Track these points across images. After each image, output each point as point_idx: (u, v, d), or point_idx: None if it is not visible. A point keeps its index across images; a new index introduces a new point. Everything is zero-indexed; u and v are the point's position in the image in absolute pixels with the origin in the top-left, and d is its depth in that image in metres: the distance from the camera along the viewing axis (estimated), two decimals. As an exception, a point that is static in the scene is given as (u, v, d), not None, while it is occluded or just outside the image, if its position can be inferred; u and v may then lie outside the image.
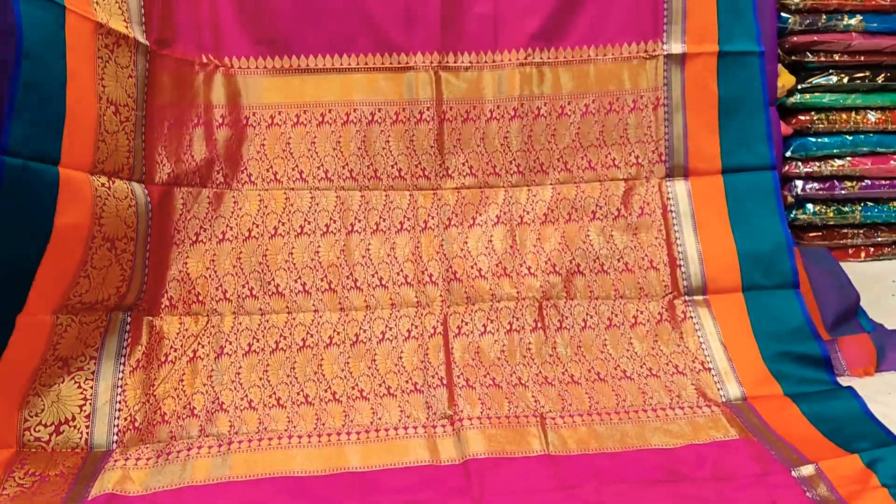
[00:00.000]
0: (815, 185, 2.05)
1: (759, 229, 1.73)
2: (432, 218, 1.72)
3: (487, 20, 1.72)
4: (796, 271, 1.71)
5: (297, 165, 1.70)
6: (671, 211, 1.75)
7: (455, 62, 1.73)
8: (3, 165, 1.24)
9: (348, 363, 1.59)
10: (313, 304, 1.66)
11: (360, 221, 1.70)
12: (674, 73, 1.74)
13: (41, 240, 1.29)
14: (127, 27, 1.48)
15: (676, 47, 1.74)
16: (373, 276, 1.69)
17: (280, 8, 1.67)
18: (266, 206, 1.68)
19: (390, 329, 1.64)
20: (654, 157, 1.75)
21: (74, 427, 1.40)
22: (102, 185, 1.40)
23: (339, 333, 1.63)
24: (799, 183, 2.05)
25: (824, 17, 2.00)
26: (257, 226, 1.68)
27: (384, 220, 1.71)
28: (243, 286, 1.65)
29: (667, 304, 1.71)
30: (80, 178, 1.36)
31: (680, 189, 1.76)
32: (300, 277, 1.67)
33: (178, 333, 1.59)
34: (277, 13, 1.67)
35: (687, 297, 1.72)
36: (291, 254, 1.67)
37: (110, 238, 1.43)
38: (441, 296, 1.69)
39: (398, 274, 1.69)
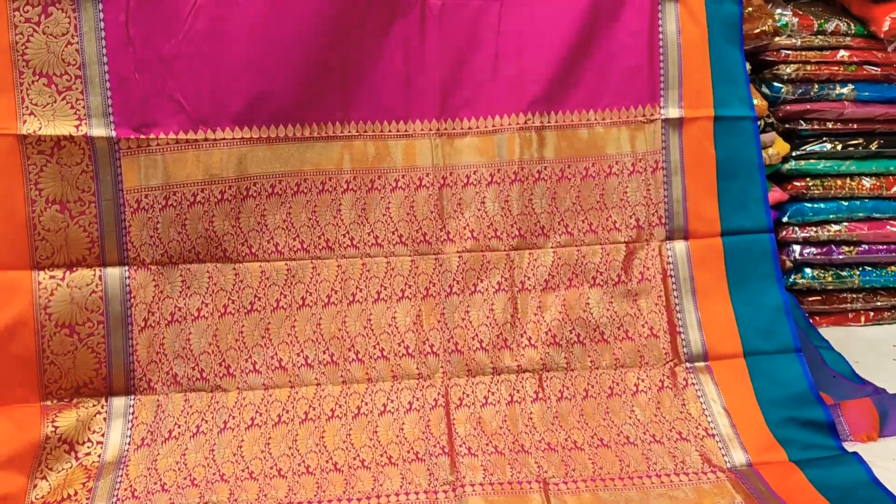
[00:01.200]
0: (813, 249, 2.06)
1: (758, 293, 1.73)
2: (434, 284, 1.71)
3: (487, 87, 1.74)
4: (797, 335, 1.71)
5: (298, 235, 1.68)
6: (671, 276, 1.75)
7: (454, 128, 1.74)
8: None
9: (350, 435, 1.58)
10: (315, 378, 1.65)
11: (360, 290, 1.69)
12: (672, 137, 1.76)
13: None
14: (78, 126, 1.54)
15: (674, 112, 1.76)
16: (374, 347, 1.68)
17: (278, 77, 1.64)
18: (268, 278, 1.67)
19: (391, 401, 1.64)
20: (654, 220, 1.76)
21: (76, 501, 1.45)
22: (51, 277, 1.54)
23: (340, 406, 1.62)
24: (797, 248, 2.07)
25: (816, 86, 2.04)
26: (259, 299, 1.66)
27: (385, 289, 1.70)
28: (246, 360, 1.64)
29: (668, 371, 1.69)
30: (14, 276, 1.52)
31: (680, 252, 1.76)
32: (302, 351, 1.66)
33: (182, 410, 1.59)
34: (276, 82, 1.64)
35: (688, 364, 1.71)
36: (294, 327, 1.66)
37: (67, 325, 1.55)
38: (442, 367, 1.68)
39: (399, 345, 1.68)
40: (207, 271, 1.65)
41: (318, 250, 1.69)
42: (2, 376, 1.51)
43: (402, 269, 1.71)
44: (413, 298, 1.70)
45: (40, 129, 1.52)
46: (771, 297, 1.73)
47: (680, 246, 1.76)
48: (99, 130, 1.56)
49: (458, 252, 1.73)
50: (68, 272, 1.55)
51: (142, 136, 1.59)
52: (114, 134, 1.57)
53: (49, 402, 1.54)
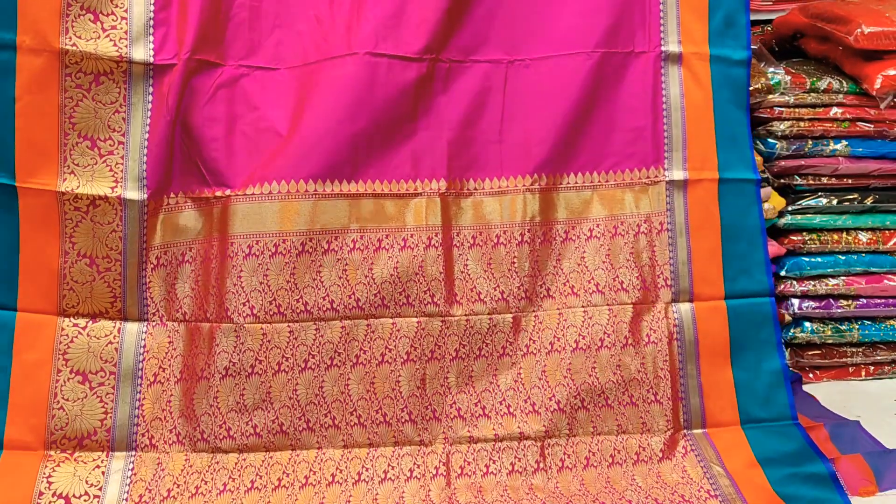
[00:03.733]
0: (812, 303, 2.07)
1: (758, 359, 1.75)
2: (439, 347, 1.70)
3: (493, 148, 1.76)
4: (793, 405, 1.73)
5: (301, 296, 1.65)
6: (676, 339, 1.75)
7: (462, 189, 1.75)
8: None
9: (349, 502, 1.57)
10: (317, 441, 1.63)
11: (365, 353, 1.67)
12: (676, 199, 1.78)
13: (5, 373, 1.57)
14: (114, 188, 1.62)
15: (678, 174, 1.78)
16: (376, 411, 1.66)
17: (294, 142, 1.68)
18: (269, 340, 1.64)
19: (392, 468, 1.63)
20: (660, 281, 1.76)
21: None
22: (74, 325, 1.62)
23: (341, 471, 1.61)
24: (795, 301, 2.07)
25: (810, 142, 2.06)
26: (260, 361, 1.63)
27: (390, 351, 1.68)
28: (247, 423, 1.62)
29: (668, 438, 1.70)
30: (42, 320, 1.60)
31: (686, 314, 1.76)
32: (304, 414, 1.64)
33: (182, 470, 1.57)
34: (290, 147, 1.68)
35: (686, 431, 1.72)
36: (296, 390, 1.64)
37: (81, 372, 1.61)
38: (444, 433, 1.67)
39: (402, 410, 1.67)
40: (211, 331, 1.64)
41: (322, 311, 1.66)
42: (14, 416, 1.56)
43: (409, 331, 1.69)
44: (418, 361, 1.69)
45: (78, 187, 1.60)
46: (770, 363, 1.75)
47: (686, 308, 1.76)
48: (132, 193, 1.63)
49: (465, 315, 1.72)
50: (91, 322, 1.62)
51: (168, 198, 1.67)
52: (145, 197, 1.64)
53: (52, 452, 1.57)
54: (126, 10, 1.62)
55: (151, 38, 1.64)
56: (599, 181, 1.77)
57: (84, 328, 1.62)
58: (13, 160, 1.57)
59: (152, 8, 1.64)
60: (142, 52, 1.63)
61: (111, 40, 1.60)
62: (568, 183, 1.77)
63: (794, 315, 2.08)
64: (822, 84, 2.07)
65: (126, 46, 1.61)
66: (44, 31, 1.56)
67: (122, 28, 1.61)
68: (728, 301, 1.76)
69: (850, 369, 2.13)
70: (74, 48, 1.57)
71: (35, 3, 1.55)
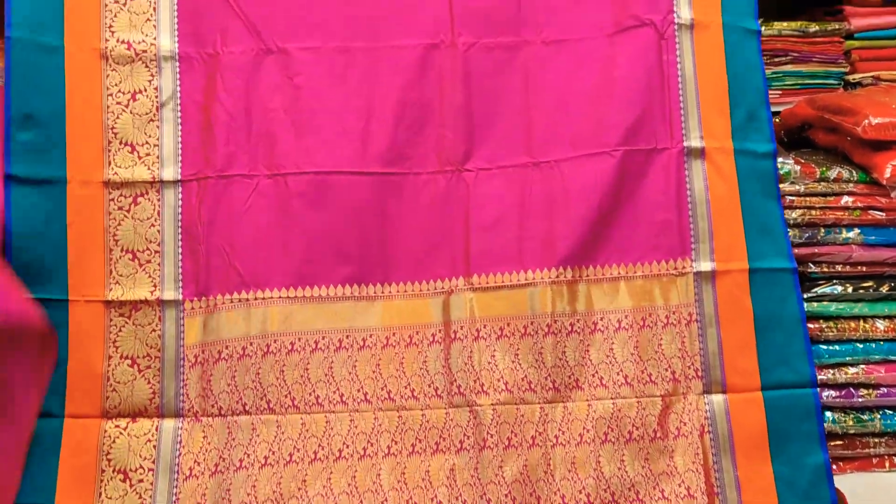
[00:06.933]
0: (832, 392, 2.06)
1: (800, 452, 1.73)
2: (468, 438, 1.70)
3: (517, 246, 1.80)
4: (836, 499, 1.70)
5: (338, 389, 1.72)
6: (709, 431, 1.73)
7: (486, 283, 1.78)
8: None
9: None
10: None
11: (396, 443, 1.70)
12: (705, 290, 1.79)
13: (52, 477, 1.67)
14: (153, 291, 1.76)
15: (705, 265, 1.79)
16: (407, 501, 1.66)
17: (325, 247, 1.78)
18: (307, 430, 1.70)
19: None
20: (690, 373, 1.76)
21: None
22: (116, 426, 1.72)
23: None
24: (817, 391, 2.06)
25: (823, 230, 2.08)
26: (298, 450, 1.68)
27: (420, 441, 1.70)
28: None
29: None
30: (88, 424, 1.70)
31: (718, 406, 1.75)
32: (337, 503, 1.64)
33: None
34: (322, 251, 1.78)
35: None
36: (329, 479, 1.66)
37: (122, 470, 1.70)
38: None
39: (432, 500, 1.66)
40: (252, 423, 1.69)
41: (357, 403, 1.72)
42: None
43: (437, 421, 1.71)
44: (447, 452, 1.69)
45: (122, 295, 1.74)
46: (813, 456, 1.73)
47: (718, 399, 1.75)
48: (169, 294, 1.75)
49: (492, 404, 1.71)
50: (131, 422, 1.72)
51: (203, 298, 1.76)
52: (181, 297, 1.75)
53: None
54: (158, 139, 1.79)
55: (180, 159, 1.79)
56: (626, 273, 1.79)
57: (125, 428, 1.72)
58: (66, 277, 1.72)
59: (180, 133, 1.80)
60: (171, 171, 1.79)
61: (145, 165, 1.78)
62: (594, 275, 1.78)
63: (814, 404, 2.07)
64: (832, 173, 2.10)
65: (158, 169, 1.78)
66: (89, 167, 1.76)
67: (154, 154, 1.79)
68: (765, 392, 1.75)
69: (874, 460, 2.10)
70: (115, 177, 1.77)
71: (82, 144, 1.76)
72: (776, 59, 2.30)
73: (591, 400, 1.74)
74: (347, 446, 1.71)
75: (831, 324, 2.08)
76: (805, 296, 2.07)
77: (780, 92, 2.39)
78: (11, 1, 1.74)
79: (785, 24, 2.27)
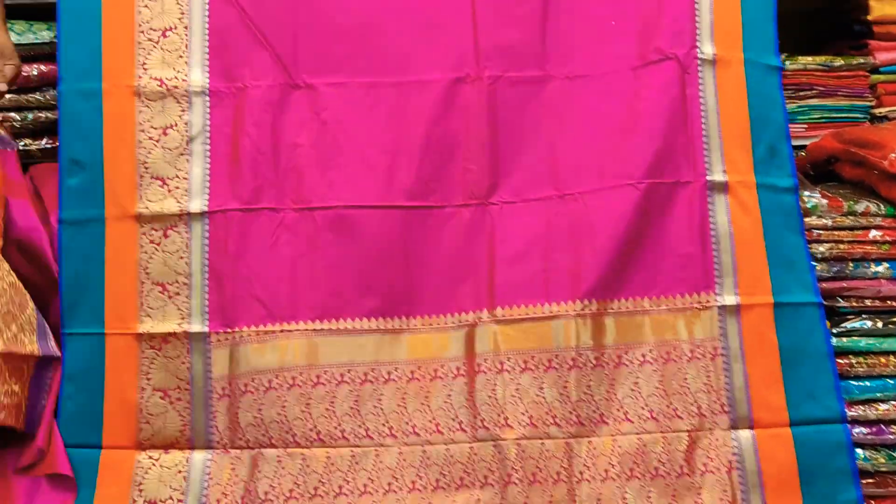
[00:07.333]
0: (863, 429, 2.02)
1: (831, 489, 1.70)
2: (493, 473, 1.69)
3: (543, 279, 1.80)
4: None
5: (363, 422, 1.72)
6: (737, 468, 1.71)
7: (510, 315, 1.78)
8: None
9: None
10: None
11: (421, 478, 1.69)
12: (730, 324, 1.77)
13: None
14: (181, 323, 1.78)
15: (730, 299, 1.78)
16: None
17: (341, 278, 1.80)
18: (333, 464, 1.69)
19: None
20: (716, 408, 1.74)
21: None
22: (149, 457, 1.73)
23: None
24: (848, 426, 2.03)
25: (851, 264, 2.06)
26: (323, 484, 1.68)
27: (444, 476, 1.69)
28: None
29: None
30: (120, 456, 1.73)
31: (746, 442, 1.73)
32: None
33: None
34: (347, 285, 1.80)
35: None
36: None
37: (153, 501, 1.72)
38: None
39: None
40: (278, 456, 1.70)
41: (382, 437, 1.72)
42: None
43: (462, 456, 1.70)
44: (471, 487, 1.68)
45: (153, 327, 1.76)
46: (846, 493, 1.71)
47: (745, 435, 1.73)
48: (196, 326, 1.77)
49: (516, 439, 1.70)
50: (164, 453, 1.74)
51: (229, 330, 1.77)
52: (207, 329, 1.76)
53: None
54: (187, 173, 1.81)
55: (207, 192, 1.81)
56: (651, 306, 1.78)
57: (158, 459, 1.74)
58: (103, 311, 1.76)
59: (209, 166, 1.82)
60: (198, 204, 1.81)
61: (174, 198, 1.80)
62: (619, 308, 1.78)
63: (845, 441, 2.03)
64: (860, 207, 2.09)
65: (186, 202, 1.81)
66: (124, 202, 1.79)
67: (183, 187, 1.81)
68: (794, 428, 1.73)
69: (907, 499, 2.07)
70: (146, 210, 1.80)
71: (118, 181, 1.79)
72: (801, 93, 2.30)
73: (617, 435, 1.73)
74: (372, 481, 1.70)
75: (861, 359, 2.05)
76: (834, 331, 2.05)
77: (805, 125, 2.39)
78: (61, 55, 1.82)
79: (810, 58, 2.27)
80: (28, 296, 1.69)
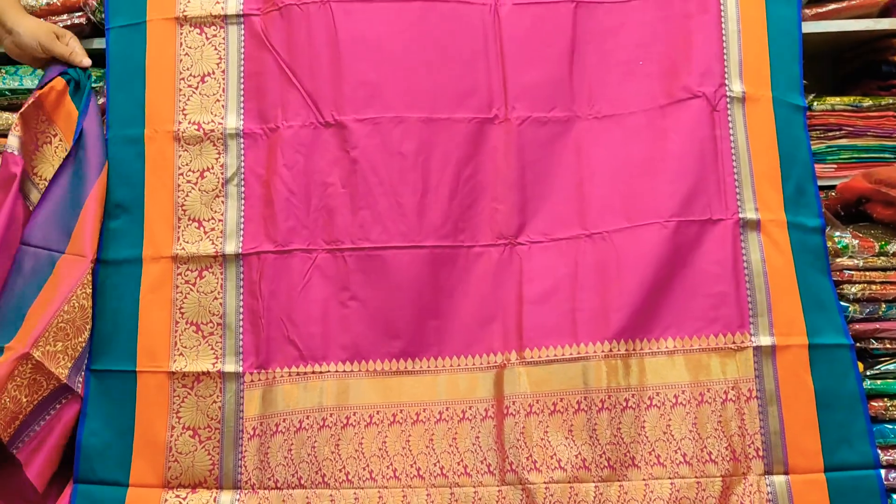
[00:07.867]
0: (899, 474, 1.99)
1: None
2: None
3: (570, 319, 1.78)
4: None
5: (391, 464, 1.71)
6: None
7: (538, 357, 1.76)
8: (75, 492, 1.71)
9: None
10: None
11: None
12: (765, 366, 1.74)
13: None
14: (215, 363, 1.81)
15: (765, 339, 1.75)
16: None
17: (370, 319, 1.81)
18: None
19: None
20: (751, 452, 1.71)
21: None
22: (176, 496, 1.74)
23: None
24: (882, 472, 1.98)
25: (884, 305, 2.03)
26: None
27: None
28: None
29: None
30: (147, 495, 1.73)
31: (780, 488, 1.69)
32: None
33: None
34: (376, 327, 1.81)
35: None
36: None
37: None
38: None
39: None
40: (307, 497, 1.69)
41: (410, 479, 1.70)
42: None
43: (490, 499, 1.68)
44: None
45: (185, 366, 1.78)
46: None
47: (780, 481, 1.69)
48: (230, 367, 1.79)
49: (545, 482, 1.67)
50: (191, 492, 1.74)
51: (262, 371, 1.78)
52: (241, 369, 1.78)
53: None
54: (223, 214, 1.85)
55: (242, 233, 1.84)
56: (682, 346, 1.76)
57: (185, 499, 1.73)
58: (136, 349, 1.78)
59: (243, 208, 1.85)
60: (233, 245, 1.84)
61: (210, 240, 1.84)
62: (649, 348, 1.76)
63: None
64: (892, 248, 2.06)
65: (221, 243, 1.84)
66: (161, 244, 1.83)
67: (218, 229, 1.85)
68: (828, 474, 1.69)
69: (946, 547, 2.01)
70: (183, 252, 1.84)
71: (156, 223, 1.84)
72: (829, 134, 2.28)
73: (648, 479, 1.69)
74: None
75: (896, 402, 2.01)
76: (868, 373, 2.02)
77: (835, 166, 2.36)
78: (109, 103, 1.88)
79: (838, 98, 2.26)
80: (89, 325, 1.76)
